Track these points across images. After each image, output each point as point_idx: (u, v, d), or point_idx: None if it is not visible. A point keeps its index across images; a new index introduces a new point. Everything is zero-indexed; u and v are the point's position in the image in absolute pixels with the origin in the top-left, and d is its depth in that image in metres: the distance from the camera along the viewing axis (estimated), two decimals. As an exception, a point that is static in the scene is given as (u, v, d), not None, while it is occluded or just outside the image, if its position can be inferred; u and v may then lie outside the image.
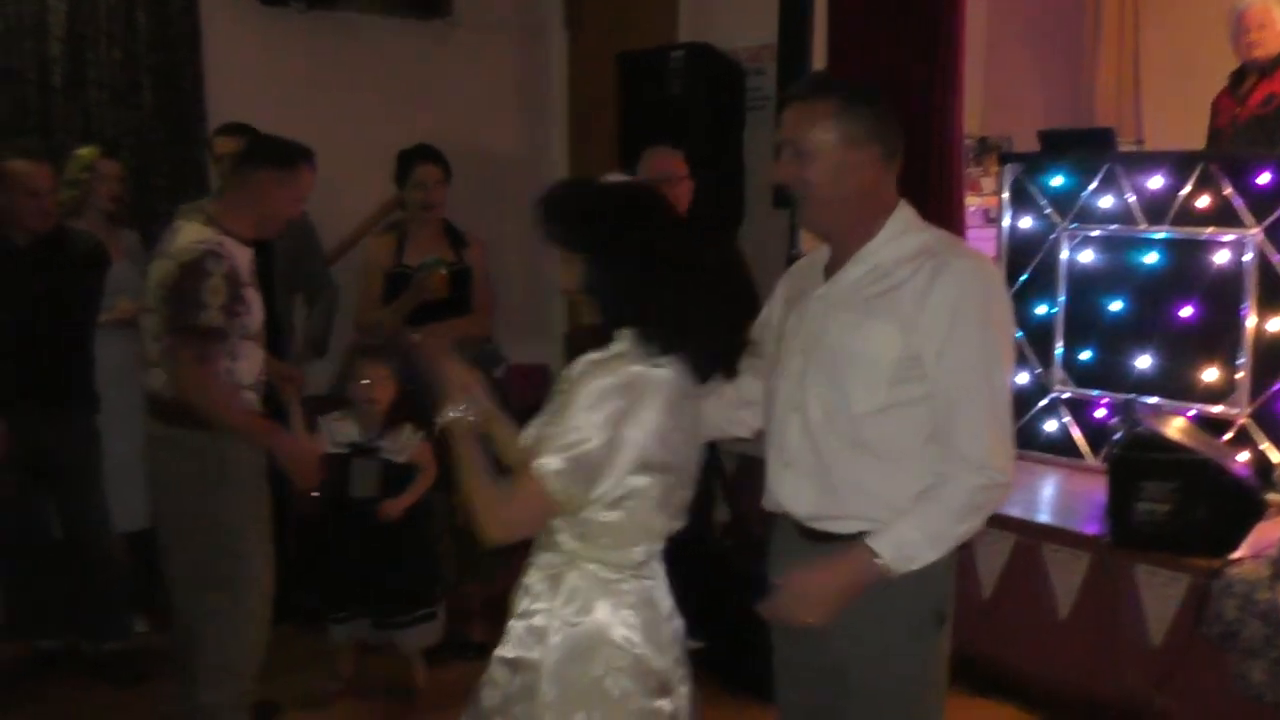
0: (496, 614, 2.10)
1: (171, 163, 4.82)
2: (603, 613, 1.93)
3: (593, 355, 1.93)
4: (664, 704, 1.96)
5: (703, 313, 1.92)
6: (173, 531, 3.13)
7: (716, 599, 4.10)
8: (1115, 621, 3.55)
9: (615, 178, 2.06)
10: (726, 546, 4.45)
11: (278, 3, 5.10)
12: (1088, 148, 4.65)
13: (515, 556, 2.07)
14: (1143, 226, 4.28)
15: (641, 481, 1.89)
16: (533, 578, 2.00)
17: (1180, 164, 4.23)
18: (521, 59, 5.94)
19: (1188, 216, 4.16)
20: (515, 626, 2.00)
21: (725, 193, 4.70)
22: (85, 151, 4.29)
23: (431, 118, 5.39)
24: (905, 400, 2.03)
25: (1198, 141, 4.93)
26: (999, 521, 3.87)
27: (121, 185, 4.33)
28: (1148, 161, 4.41)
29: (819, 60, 4.33)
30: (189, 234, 3.01)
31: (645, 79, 4.86)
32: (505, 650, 2.00)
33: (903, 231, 2.10)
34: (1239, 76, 4.88)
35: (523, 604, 2.00)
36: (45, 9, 4.58)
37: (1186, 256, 4.18)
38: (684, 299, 1.90)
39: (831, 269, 2.18)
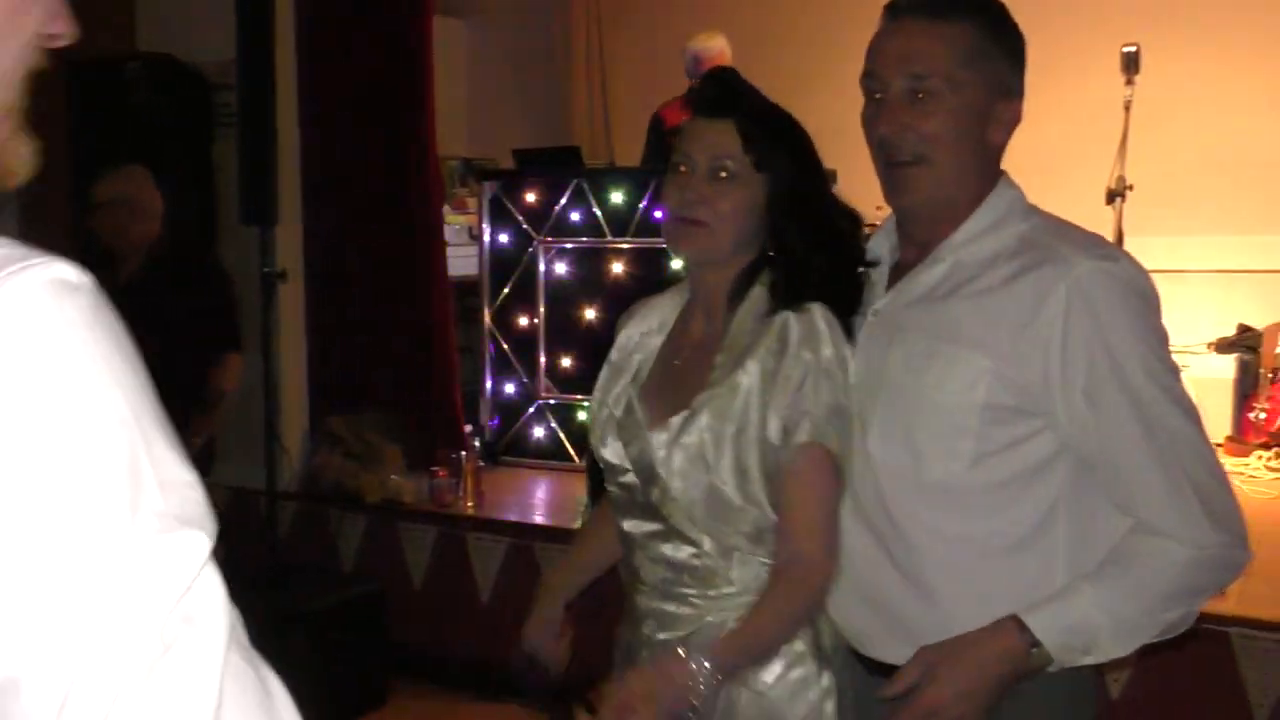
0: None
1: None
2: None
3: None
4: None
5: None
6: None
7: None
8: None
9: None
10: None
11: None
12: (557, 165, 4.91)
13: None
14: (609, 238, 4.58)
15: None
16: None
17: (639, 179, 4.57)
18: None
19: (649, 228, 4.50)
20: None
21: (199, 211, 4.47)
22: None
23: None
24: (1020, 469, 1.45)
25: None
26: (493, 527, 3.99)
27: None
28: (609, 177, 4.74)
29: (285, 78, 4.21)
30: None
31: (99, 93, 4.49)
32: None
33: (1002, 218, 1.51)
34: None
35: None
36: None
37: (649, 264, 4.52)
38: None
39: (900, 272, 1.58)
